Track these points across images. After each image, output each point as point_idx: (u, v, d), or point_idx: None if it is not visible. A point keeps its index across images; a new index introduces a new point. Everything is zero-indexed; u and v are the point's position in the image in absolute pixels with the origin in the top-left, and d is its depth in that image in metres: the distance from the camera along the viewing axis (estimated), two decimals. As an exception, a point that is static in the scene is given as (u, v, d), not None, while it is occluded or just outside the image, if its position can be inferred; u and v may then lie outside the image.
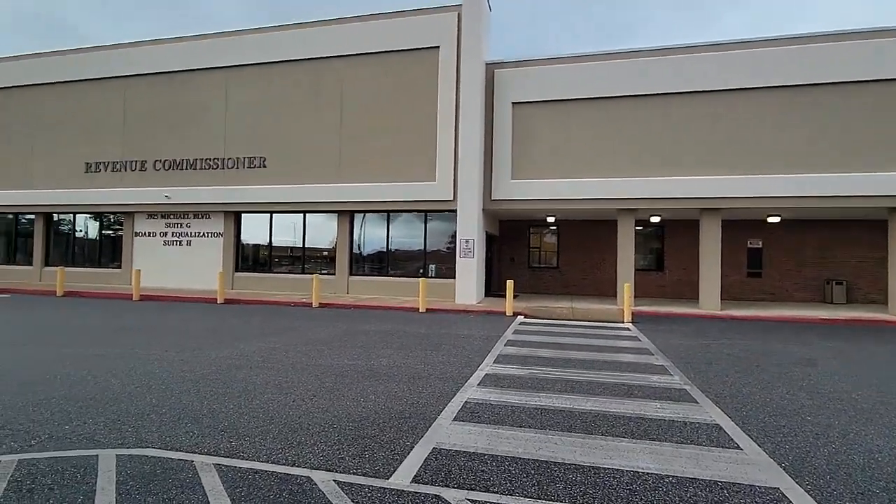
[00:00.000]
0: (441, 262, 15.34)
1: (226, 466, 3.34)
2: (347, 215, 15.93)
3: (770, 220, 15.68)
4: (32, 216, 19.29)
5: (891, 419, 4.66)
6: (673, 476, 3.33)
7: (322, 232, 16.63)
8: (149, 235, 17.93)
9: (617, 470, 3.41)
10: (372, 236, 16.10)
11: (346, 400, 4.93)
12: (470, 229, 14.32)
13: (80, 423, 4.13)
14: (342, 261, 15.92)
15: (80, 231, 19.27)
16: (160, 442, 3.76)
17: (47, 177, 18.54)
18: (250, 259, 17.36)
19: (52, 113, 18.70)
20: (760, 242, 16.81)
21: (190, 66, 17.08)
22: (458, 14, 14.61)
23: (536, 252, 18.94)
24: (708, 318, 12.49)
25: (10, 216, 19.80)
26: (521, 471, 3.38)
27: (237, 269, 17.03)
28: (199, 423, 4.18)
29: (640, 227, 17.14)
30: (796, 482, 3.28)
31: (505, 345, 8.20)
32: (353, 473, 3.28)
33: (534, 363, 6.78)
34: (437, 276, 15.16)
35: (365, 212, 15.87)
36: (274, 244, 17.05)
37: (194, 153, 17.03)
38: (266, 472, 3.27)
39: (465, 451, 3.68)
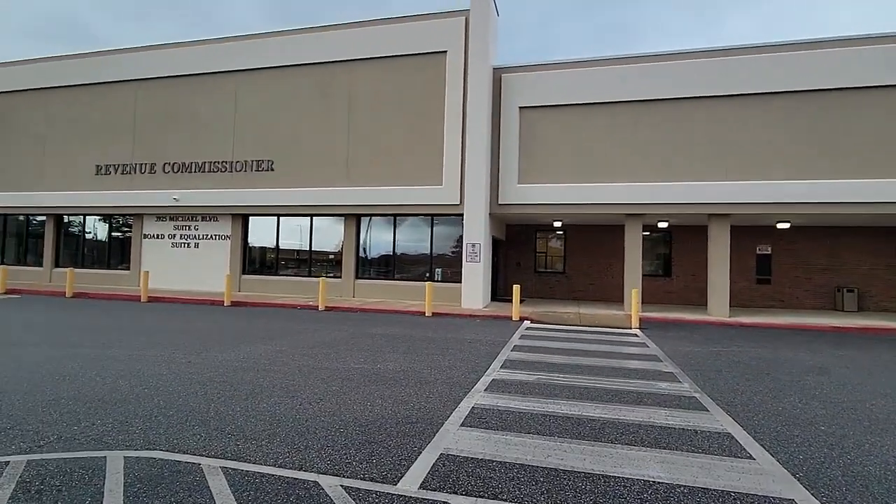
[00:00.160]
0: (447, 267, 15.32)
1: (233, 470, 3.33)
2: (354, 219, 15.97)
3: (780, 226, 15.53)
4: (43, 218, 19.50)
5: (907, 430, 4.57)
6: (684, 485, 3.27)
7: (328, 235, 16.67)
8: (157, 237, 18.06)
9: (627, 478, 3.36)
10: (378, 240, 16.11)
11: (352, 404, 4.91)
12: (476, 233, 14.29)
13: (88, 424, 4.14)
14: (348, 264, 15.94)
15: (90, 233, 19.44)
16: (167, 444, 3.75)
17: (58, 179, 18.74)
18: (257, 262, 17.42)
19: (64, 115, 18.93)
20: (769, 248, 16.64)
21: (199, 69, 17.24)
22: (466, 19, 14.65)
23: (543, 257, 18.86)
24: (716, 324, 12.36)
25: (22, 217, 20.03)
26: (529, 478, 3.34)
27: (244, 272, 17.09)
28: (206, 426, 4.17)
29: (648, 233, 17.03)
30: (811, 493, 3.21)
31: (512, 350, 8.15)
32: (361, 478, 3.25)
33: (541, 369, 6.73)
34: (443, 281, 15.13)
35: (371, 215, 15.89)
36: (281, 247, 17.10)
37: (203, 156, 17.15)
38: (273, 475, 3.26)
39: (472, 458, 3.65)
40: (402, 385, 5.69)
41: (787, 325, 12.20)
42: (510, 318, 12.35)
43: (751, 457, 3.81)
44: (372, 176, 15.30)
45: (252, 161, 16.59)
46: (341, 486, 3.14)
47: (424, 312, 12.80)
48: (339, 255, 16.30)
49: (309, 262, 16.71)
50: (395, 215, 15.69)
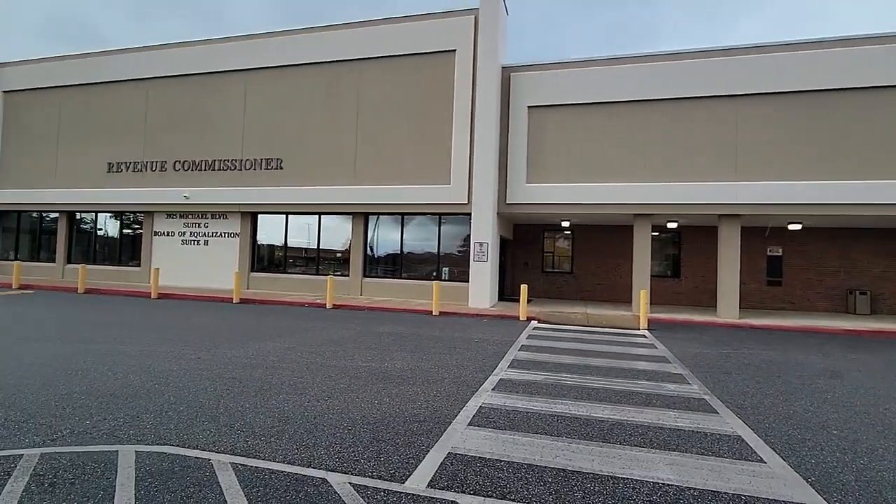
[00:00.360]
0: (454, 266, 15.31)
1: (242, 465, 3.35)
2: (362, 217, 16.01)
3: (791, 227, 15.35)
4: (56, 214, 19.76)
5: (921, 435, 4.50)
6: (694, 488, 3.25)
7: (336, 233, 16.73)
8: (167, 235, 18.23)
9: (636, 480, 3.34)
10: (386, 238, 16.14)
11: (360, 402, 4.93)
12: (484, 233, 14.27)
13: (100, 419, 4.19)
14: (356, 262, 15.99)
15: (102, 229, 19.67)
16: (178, 439, 3.79)
17: (70, 176, 18.98)
18: (265, 259, 17.53)
19: (76, 114, 19.17)
20: (781, 250, 16.46)
21: (209, 68, 17.37)
22: (475, 17, 14.63)
23: (550, 257, 18.80)
24: (726, 326, 12.25)
25: (35, 214, 20.31)
26: (537, 478, 3.33)
27: (252, 269, 17.21)
28: (215, 422, 4.21)
29: (657, 233, 16.92)
30: (824, 498, 3.18)
31: (519, 350, 8.13)
32: (369, 476, 3.26)
33: (549, 369, 6.71)
34: (450, 280, 15.13)
35: (379, 214, 15.92)
36: (289, 245, 17.19)
37: (213, 154, 17.29)
38: (282, 472, 3.28)
39: (480, 457, 3.65)
40: (409, 384, 5.70)
41: (798, 327, 12.06)
42: (517, 317, 12.32)
43: (762, 460, 3.77)
44: (379, 175, 15.33)
45: (261, 160, 16.69)
46: (350, 483, 3.15)
47: (432, 311, 12.81)
48: (346, 253, 16.36)
49: (317, 261, 16.78)
50: (402, 214, 15.71)
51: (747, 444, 4.11)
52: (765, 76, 12.99)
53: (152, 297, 14.68)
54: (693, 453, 3.85)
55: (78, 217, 19.78)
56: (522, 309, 12.40)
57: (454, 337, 9.27)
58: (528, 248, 18.83)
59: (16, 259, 19.52)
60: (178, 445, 3.67)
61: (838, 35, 12.85)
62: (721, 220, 13.59)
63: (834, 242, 16.01)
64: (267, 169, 16.62)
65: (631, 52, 14.62)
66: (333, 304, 13.53)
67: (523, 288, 12.66)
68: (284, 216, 17.02)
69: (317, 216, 16.70)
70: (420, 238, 15.83)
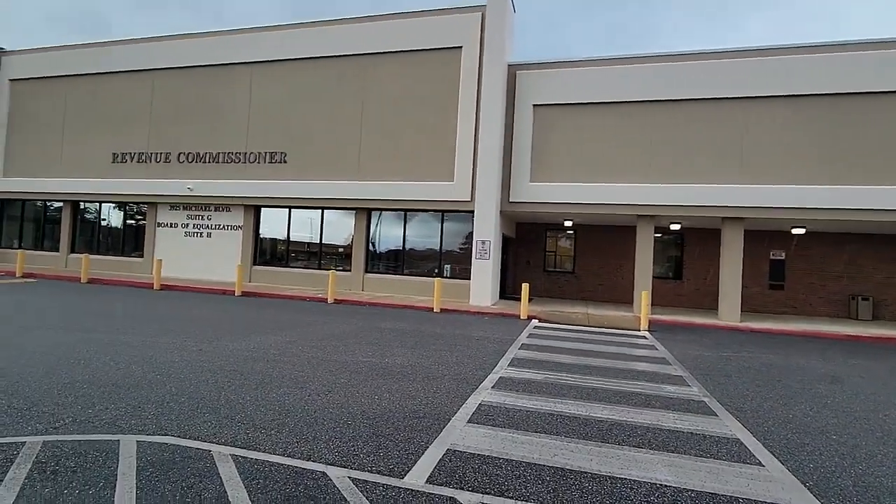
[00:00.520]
0: (456, 263, 15.32)
1: (242, 457, 3.37)
2: (365, 213, 16.02)
3: (795, 231, 15.30)
4: (60, 204, 19.82)
5: (921, 442, 4.50)
6: (692, 490, 3.26)
7: (339, 228, 16.75)
8: (170, 226, 18.28)
9: (634, 481, 3.35)
10: (388, 234, 16.15)
11: (360, 397, 4.94)
12: (487, 231, 14.27)
13: (102, 408, 4.21)
14: (358, 258, 16.01)
15: (105, 220, 19.73)
16: (179, 430, 3.81)
17: (75, 166, 19.03)
18: (268, 253, 17.57)
19: (82, 104, 19.19)
20: (783, 254, 16.41)
21: (215, 60, 17.36)
22: (482, 14, 14.57)
23: (552, 256, 18.78)
24: (727, 329, 12.24)
25: (39, 203, 20.38)
26: (535, 477, 3.34)
27: (255, 263, 17.25)
28: (216, 413, 4.23)
29: (659, 235, 16.88)
30: (821, 503, 3.18)
31: (519, 348, 8.15)
32: (368, 471, 3.28)
33: (549, 368, 6.72)
34: (452, 277, 15.14)
35: (382, 210, 15.93)
36: (291, 239, 17.22)
37: (217, 147, 17.30)
38: (282, 465, 3.30)
39: (479, 454, 3.66)
40: (409, 380, 5.72)
41: (800, 331, 12.04)
42: (518, 316, 12.33)
43: (760, 463, 3.77)
44: (383, 170, 15.32)
45: (265, 153, 16.70)
46: (349, 477, 3.17)
47: (433, 308, 12.83)
48: (348, 248, 16.38)
49: (319, 255, 16.81)
50: (405, 210, 15.71)
51: (746, 447, 4.12)
52: (773, 79, 12.91)
53: (155, 288, 14.73)
54: (691, 455, 3.86)
55: (82, 207, 19.84)
56: (523, 308, 12.41)
57: (455, 334, 9.29)
58: (530, 246, 18.82)
59: (20, 248, 19.60)
60: (179, 436, 3.69)
61: (848, 38, 12.81)
62: (724, 222, 13.55)
63: (837, 247, 15.95)
64: (271, 162, 16.63)
65: (637, 52, 14.52)
66: (335, 299, 13.56)
67: (525, 287, 12.66)
68: (287, 210, 17.04)
69: (320, 210, 16.72)
70: (422, 235, 15.84)
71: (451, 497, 2.98)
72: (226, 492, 2.89)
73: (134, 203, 18.92)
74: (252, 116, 16.94)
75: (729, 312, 13.36)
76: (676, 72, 13.59)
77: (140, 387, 4.89)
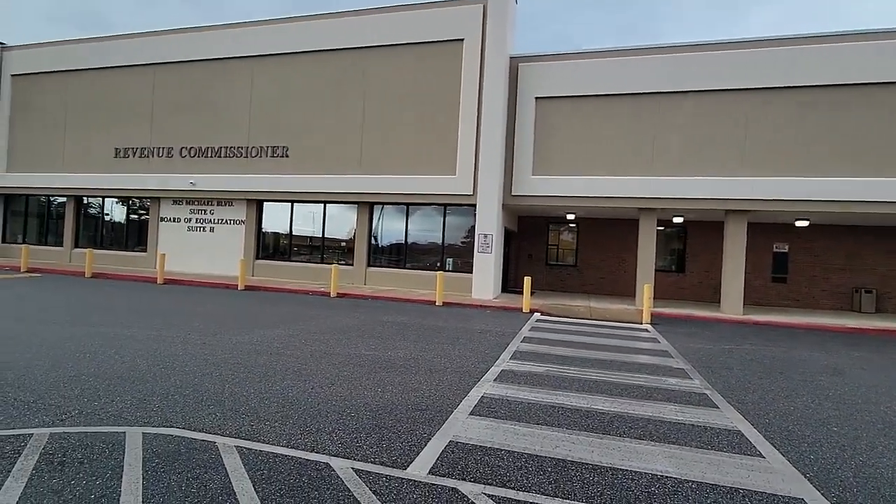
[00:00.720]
0: (458, 257, 15.33)
1: (247, 449, 3.41)
2: (367, 206, 16.02)
3: (798, 223, 15.23)
4: (64, 199, 19.89)
5: (922, 434, 4.51)
6: (693, 481, 3.28)
7: (341, 222, 16.76)
8: (173, 221, 18.33)
9: (635, 472, 3.38)
10: (390, 228, 16.16)
11: (363, 389, 4.98)
12: (489, 224, 14.26)
13: (108, 401, 4.26)
14: (360, 251, 16.03)
15: (108, 215, 19.80)
16: (184, 422, 3.85)
17: (78, 161, 19.07)
18: (271, 247, 17.61)
19: (84, 99, 19.19)
20: (787, 247, 16.35)
21: (216, 55, 17.31)
22: (484, 6, 14.47)
23: (555, 249, 18.77)
24: (729, 322, 12.23)
25: (43, 198, 20.46)
26: (537, 468, 3.37)
27: (257, 257, 17.29)
28: (221, 406, 4.27)
29: (662, 228, 16.83)
30: (822, 494, 3.20)
31: (521, 341, 8.17)
32: (371, 462, 3.31)
33: (550, 361, 6.75)
34: (454, 271, 15.16)
35: (384, 203, 15.93)
36: (294, 233, 17.25)
37: (219, 141, 17.30)
38: (286, 456, 3.33)
39: (481, 446, 3.69)
40: (412, 373, 5.75)
41: (803, 324, 12.03)
42: (520, 309, 12.35)
43: (761, 455, 3.79)
44: (385, 164, 15.31)
45: (267, 147, 16.69)
46: (352, 468, 3.20)
47: (435, 302, 12.86)
48: (351, 242, 16.40)
49: (321, 249, 16.84)
50: (407, 204, 15.70)
51: (747, 438, 4.14)
52: (777, 70, 12.80)
53: (158, 282, 14.80)
54: (692, 447, 3.88)
55: (85, 201, 19.90)
56: (526, 301, 12.43)
57: (457, 327, 9.32)
58: (532, 240, 18.80)
59: (24, 243, 19.69)
60: (184, 428, 3.73)
61: (852, 29, 12.62)
62: (728, 215, 13.51)
63: (841, 240, 15.88)
64: (273, 156, 16.63)
65: (639, 44, 14.40)
66: (337, 293, 13.60)
67: (527, 280, 12.67)
68: (290, 204, 17.06)
69: (322, 204, 16.73)
70: (425, 228, 15.84)
71: (453, 488, 3.01)
72: (231, 483, 2.93)
73: (137, 198, 18.97)
74: (253, 110, 16.92)
75: (731, 305, 13.35)
76: (679, 63, 13.49)
77: (145, 380, 4.94)
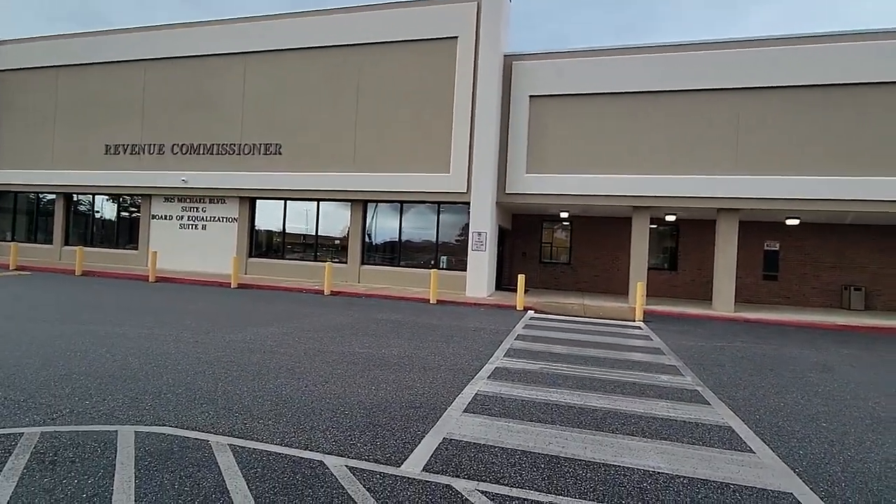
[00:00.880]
0: (452, 255, 15.34)
1: (240, 447, 3.40)
2: (361, 204, 15.98)
3: (789, 222, 15.39)
4: (53, 196, 19.66)
5: (908, 429, 4.58)
6: (684, 476, 3.31)
7: (335, 220, 16.71)
8: (165, 218, 18.18)
9: (627, 468, 3.40)
10: (384, 226, 16.13)
11: (357, 387, 4.98)
12: (482, 222, 14.28)
13: (99, 399, 4.23)
14: (354, 249, 15.99)
15: (99, 212, 19.60)
16: (176, 421, 3.83)
17: (68, 158, 18.84)
18: (264, 245, 17.52)
19: (74, 94, 18.96)
20: (778, 245, 16.52)
21: (209, 51, 17.16)
22: (478, 4, 14.45)
23: (548, 247, 18.83)
24: (721, 319, 12.34)
25: (32, 196, 20.20)
26: (530, 464, 3.39)
27: (251, 255, 17.20)
28: (214, 404, 4.25)
29: (655, 226, 16.94)
30: (810, 488, 3.24)
31: (515, 339, 8.20)
32: (365, 460, 3.32)
33: (544, 358, 6.78)
34: (448, 268, 15.17)
35: (378, 201, 15.89)
36: (287, 231, 17.17)
37: (211, 138, 17.16)
38: (280, 454, 3.33)
39: (475, 443, 3.71)
40: (406, 370, 5.76)
41: (793, 322, 12.17)
42: (514, 307, 12.39)
43: (751, 450, 3.84)
44: (379, 162, 15.27)
45: (260, 144, 16.59)
46: (346, 466, 3.20)
47: (429, 300, 12.86)
48: (344, 240, 16.36)
49: (315, 247, 16.78)
50: (401, 202, 15.68)
51: (737, 434, 4.18)
52: (768, 70, 12.91)
53: (150, 280, 14.68)
54: (684, 443, 3.92)
55: (75, 199, 19.69)
56: (519, 299, 12.46)
57: (451, 325, 9.33)
58: (526, 238, 18.85)
59: (13, 240, 19.44)
60: (176, 426, 3.71)
61: (843, 30, 12.75)
62: (720, 213, 13.62)
63: (831, 238, 16.06)
64: (266, 154, 16.53)
65: (633, 42, 14.45)
66: (331, 291, 13.57)
67: (521, 278, 12.71)
68: (283, 202, 16.97)
69: (315, 202, 16.66)
70: (418, 226, 15.83)
71: (447, 485, 3.03)
72: (224, 481, 2.92)
73: (128, 195, 18.79)
74: (246, 108, 16.80)
75: (723, 303, 13.47)
76: (672, 62, 13.57)
77: (137, 378, 4.90)
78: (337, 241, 16.67)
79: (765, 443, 4.02)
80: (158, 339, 6.79)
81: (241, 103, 16.85)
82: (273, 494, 2.80)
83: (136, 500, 2.67)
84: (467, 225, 14.69)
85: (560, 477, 3.22)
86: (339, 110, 15.75)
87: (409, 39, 15.06)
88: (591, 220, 17.94)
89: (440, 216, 15.48)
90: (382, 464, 3.27)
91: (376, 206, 16.10)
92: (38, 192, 19.94)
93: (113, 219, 19.42)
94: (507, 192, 14.80)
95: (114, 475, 2.93)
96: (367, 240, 16.18)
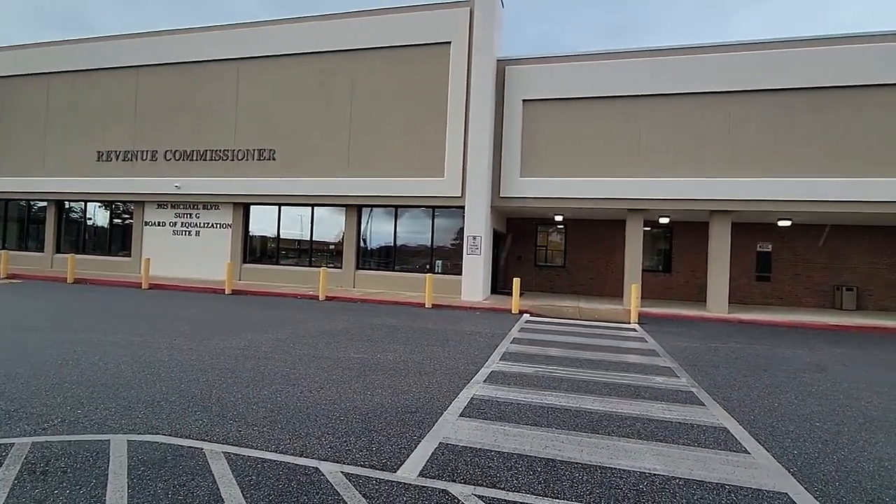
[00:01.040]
0: (448, 259, 15.34)
1: (235, 455, 3.37)
2: (355, 209, 15.96)
3: (781, 223, 15.52)
4: (44, 203, 19.49)
5: (901, 427, 4.62)
6: (680, 478, 3.32)
7: (329, 225, 16.67)
8: (158, 225, 18.07)
9: (623, 470, 3.41)
10: (379, 231, 16.12)
11: (353, 392, 4.96)
12: (477, 226, 14.30)
13: (91, 408, 4.18)
14: (349, 254, 15.96)
15: (91, 219, 19.45)
16: (170, 429, 3.80)
17: (59, 164, 18.71)
18: (258, 250, 17.45)
19: (65, 101, 18.85)
20: (770, 246, 16.65)
21: (202, 57, 17.13)
22: (471, 9, 14.53)
23: (543, 251, 18.88)
24: (715, 320, 12.41)
25: (23, 203, 20.02)
26: (527, 468, 3.38)
27: (245, 261, 17.12)
28: (207, 412, 4.22)
29: (648, 228, 17.03)
30: (805, 488, 3.26)
31: (511, 342, 8.20)
32: (361, 466, 3.30)
33: (540, 361, 6.78)
34: (443, 273, 15.16)
35: (373, 206, 15.89)
36: (282, 236, 17.11)
37: (204, 144, 17.11)
38: (274, 461, 3.31)
39: (471, 447, 3.70)
40: (401, 375, 5.74)
41: (786, 322, 12.25)
42: (510, 310, 12.40)
43: (746, 451, 3.86)
44: (373, 167, 15.27)
45: (253, 150, 16.55)
46: (342, 472, 3.19)
47: (424, 304, 12.85)
48: (339, 245, 16.32)
49: (310, 252, 16.73)
50: (396, 206, 15.68)
51: (732, 435, 4.20)
52: (760, 73, 13.05)
53: (143, 287, 14.57)
54: (679, 444, 3.93)
55: (67, 206, 19.53)
56: (515, 302, 12.47)
57: (447, 329, 9.32)
58: (521, 241, 18.89)
59: (3, 248, 19.24)
60: (170, 435, 3.68)
61: (835, 33, 12.94)
62: (712, 215, 13.71)
63: (822, 239, 16.22)
64: (259, 159, 16.49)
65: (626, 47, 14.59)
66: (326, 296, 13.52)
67: (516, 281, 12.72)
68: (277, 207, 16.92)
69: (310, 208, 16.62)
70: (413, 231, 15.83)
71: (443, 490, 3.02)
72: (218, 489, 2.89)
73: (120, 202, 18.67)
74: (239, 113, 16.77)
75: (717, 304, 13.55)
76: (664, 66, 13.69)
77: (130, 386, 4.86)
78: (332, 246, 16.63)
79: (759, 443, 4.04)
80: (151, 346, 6.74)
81: (235, 109, 16.82)
82: (268, 502, 2.78)
83: (128, 510, 2.64)
84: (462, 229, 14.71)
85: (556, 480, 3.22)
86: (333, 115, 15.75)
87: (402, 45, 15.11)
88: (586, 222, 18.01)
89: (435, 220, 15.50)
90: (378, 469, 3.26)
91: (371, 210, 16.09)
92: (29, 200, 19.77)
93: (105, 226, 19.28)
94: (501, 195, 14.84)
95: (106, 485, 2.89)
96: (361, 244, 16.15)
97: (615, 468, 3.43)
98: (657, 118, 13.77)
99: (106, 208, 19.17)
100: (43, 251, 19.29)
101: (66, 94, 18.83)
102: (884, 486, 3.36)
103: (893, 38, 12.42)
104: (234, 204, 17.06)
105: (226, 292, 14.06)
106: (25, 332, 7.38)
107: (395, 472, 3.23)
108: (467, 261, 14.40)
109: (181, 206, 17.79)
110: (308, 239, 16.77)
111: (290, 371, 5.71)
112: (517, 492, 3.04)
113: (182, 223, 17.81)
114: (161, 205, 17.98)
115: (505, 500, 2.92)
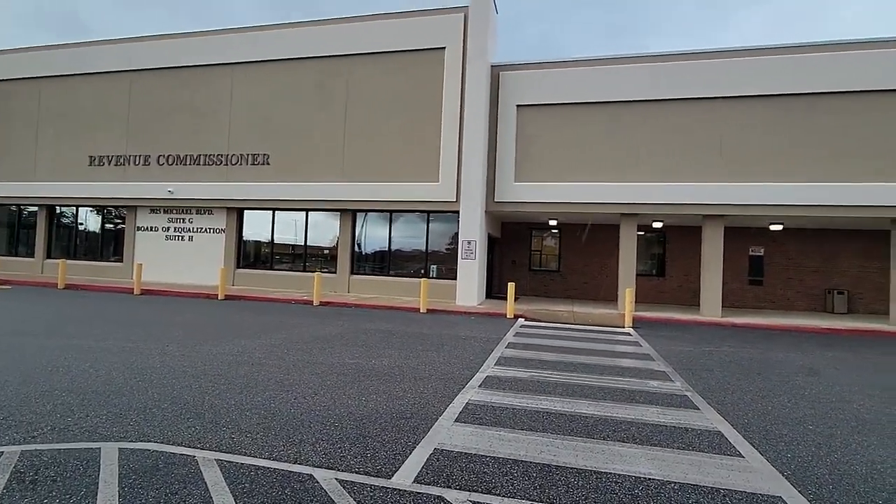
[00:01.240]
0: (442, 263, 15.34)
1: (228, 462, 3.34)
2: (350, 214, 15.94)
3: (772, 227, 15.67)
4: (35, 208, 19.31)
5: (893, 430, 4.65)
6: (675, 482, 3.32)
7: (324, 230, 16.64)
8: (151, 230, 17.95)
9: (619, 475, 3.41)
10: (374, 236, 16.10)
11: (347, 398, 4.93)
12: (472, 231, 14.32)
13: (82, 416, 4.13)
14: (343, 259, 15.92)
15: (83, 224, 19.29)
16: (162, 436, 3.76)
17: (51, 169, 18.57)
18: (252, 256, 17.37)
19: (57, 105, 18.73)
20: (762, 250, 16.80)
21: (195, 61, 17.11)
22: (465, 15, 14.63)
23: (538, 255, 18.93)
24: (709, 324, 12.48)
25: (14, 208, 19.83)
26: (522, 473, 3.37)
27: (238, 266, 17.03)
28: (200, 419, 4.18)
29: (642, 233, 17.14)
30: (798, 491, 3.27)
31: (506, 347, 8.20)
32: (355, 472, 3.28)
33: (535, 366, 6.78)
34: (438, 277, 15.16)
35: (367, 211, 15.88)
36: (276, 241, 17.05)
37: (198, 148, 17.05)
38: (268, 468, 3.27)
39: (466, 453, 3.68)
40: (396, 381, 5.72)
41: (778, 326, 12.34)
42: (505, 315, 12.40)
43: (740, 454, 3.87)
44: (368, 171, 15.27)
45: (248, 154, 16.51)
46: (336, 479, 3.16)
47: (419, 309, 12.83)
48: (334, 250, 16.28)
49: (304, 257, 16.67)
50: (390, 211, 15.68)
51: (727, 439, 4.21)
52: (752, 79, 13.22)
53: (135, 293, 14.45)
54: (674, 448, 3.93)
55: (58, 211, 19.37)
56: (510, 307, 12.48)
57: (442, 334, 9.30)
58: (515, 246, 18.93)
59: (-7, 253, 19.05)
60: (162, 442, 3.64)
61: (827, 40, 13.15)
62: (705, 220, 13.82)
63: (814, 243, 16.39)
64: (253, 164, 16.45)
65: (620, 52, 14.73)
66: (321, 301, 13.47)
67: (510, 286, 12.74)
68: (271, 212, 16.88)
69: (304, 212, 16.59)
70: (408, 235, 15.82)
71: (438, 496, 3.00)
72: (211, 497, 2.86)
73: (112, 207, 18.54)
74: (233, 118, 16.73)
75: (710, 308, 13.63)
76: (658, 72, 13.82)
77: (121, 393, 4.80)
78: (326, 251, 16.59)
79: (753, 447, 4.05)
80: (143, 352, 6.67)
81: (229, 113, 16.78)
82: (261, 510, 2.75)
83: (119, 519, 2.61)
84: (457, 234, 14.73)
85: (552, 485, 3.21)
86: (328, 120, 15.76)
87: (396, 50, 15.18)
88: (580, 227, 18.08)
89: (430, 225, 15.50)
90: (373, 476, 3.23)
91: (365, 215, 16.07)
92: (19, 204, 19.59)
93: (97, 231, 19.13)
94: (496, 200, 14.88)
95: (97, 494, 2.85)
96: (356, 249, 16.12)
97: (610, 473, 3.43)
98: (651, 124, 13.88)
99: (98, 213, 19.02)
100: (33, 256, 19.10)
101: (58, 98, 18.72)
102: (876, 488, 3.38)
103: (886, 44, 12.62)
104: (228, 209, 16.99)
105: (219, 298, 13.97)
106: (15, 337, 7.28)
107: (390, 478, 3.21)
108: (462, 265, 14.40)
109: (174, 211, 17.69)
110: (302, 244, 16.72)
111: (283, 377, 5.67)
112: (513, 497, 3.03)
113: (175, 228, 17.71)
114: (154, 209, 17.87)
115: (500, 506, 2.90)
